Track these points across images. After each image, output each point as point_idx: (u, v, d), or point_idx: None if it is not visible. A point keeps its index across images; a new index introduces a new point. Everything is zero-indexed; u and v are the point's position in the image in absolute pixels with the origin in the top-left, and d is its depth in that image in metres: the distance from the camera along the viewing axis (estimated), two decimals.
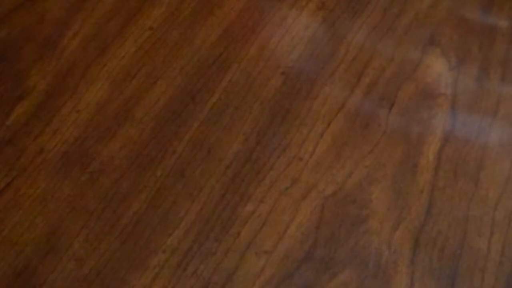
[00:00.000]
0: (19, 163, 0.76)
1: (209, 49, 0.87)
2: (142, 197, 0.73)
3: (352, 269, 0.69)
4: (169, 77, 0.84)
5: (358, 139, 0.79)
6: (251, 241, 0.70)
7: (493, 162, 0.77)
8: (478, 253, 0.70)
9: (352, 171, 0.76)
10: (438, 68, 0.86)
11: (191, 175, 0.75)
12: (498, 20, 0.92)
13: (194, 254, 0.69)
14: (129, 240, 0.70)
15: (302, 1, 0.93)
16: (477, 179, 0.76)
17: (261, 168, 0.76)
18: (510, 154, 0.78)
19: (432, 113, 0.81)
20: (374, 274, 0.68)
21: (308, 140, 0.79)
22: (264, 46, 0.87)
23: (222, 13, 0.91)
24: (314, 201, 0.73)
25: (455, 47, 0.88)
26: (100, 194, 0.74)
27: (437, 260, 0.69)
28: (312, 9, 0.92)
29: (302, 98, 0.82)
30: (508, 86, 0.85)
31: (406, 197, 0.74)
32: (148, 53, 0.86)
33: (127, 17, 0.90)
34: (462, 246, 0.70)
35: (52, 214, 0.72)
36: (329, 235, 0.71)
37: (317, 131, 0.79)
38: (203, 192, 0.74)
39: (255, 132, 0.79)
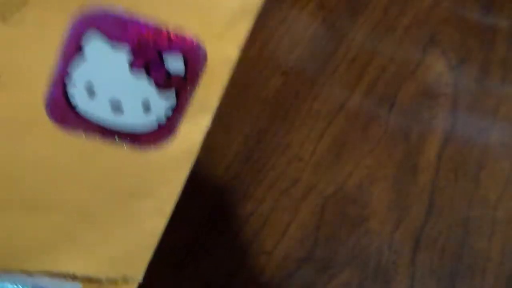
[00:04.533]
0: None
1: None
2: None
3: (352, 269, 0.68)
4: None
5: (358, 139, 0.79)
6: (251, 241, 0.70)
7: (493, 162, 0.77)
8: (478, 253, 0.70)
9: (352, 171, 0.76)
10: (438, 68, 0.86)
11: (192, 175, 0.75)
12: (498, 20, 0.92)
13: (194, 254, 0.69)
14: None
15: (302, 1, 0.93)
16: (478, 179, 0.76)
17: (261, 168, 0.76)
18: (511, 154, 0.78)
19: (433, 113, 0.81)
20: (374, 274, 0.68)
21: (308, 140, 0.78)
22: (264, 46, 0.87)
23: None
24: (314, 201, 0.73)
25: (455, 47, 0.88)
26: None
27: (438, 260, 0.69)
28: (312, 9, 0.92)
29: (302, 98, 0.82)
30: (509, 86, 0.85)
31: (406, 197, 0.74)
32: None
33: None
34: (462, 246, 0.70)
35: None
36: (329, 235, 0.71)
37: (317, 131, 0.79)
38: (203, 192, 0.74)
39: (255, 132, 0.79)
